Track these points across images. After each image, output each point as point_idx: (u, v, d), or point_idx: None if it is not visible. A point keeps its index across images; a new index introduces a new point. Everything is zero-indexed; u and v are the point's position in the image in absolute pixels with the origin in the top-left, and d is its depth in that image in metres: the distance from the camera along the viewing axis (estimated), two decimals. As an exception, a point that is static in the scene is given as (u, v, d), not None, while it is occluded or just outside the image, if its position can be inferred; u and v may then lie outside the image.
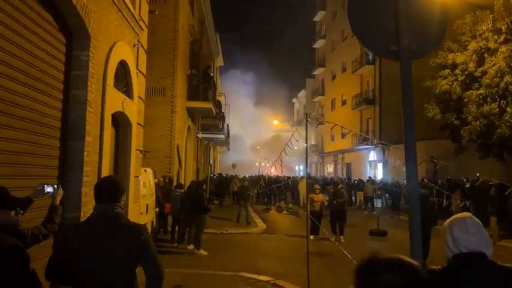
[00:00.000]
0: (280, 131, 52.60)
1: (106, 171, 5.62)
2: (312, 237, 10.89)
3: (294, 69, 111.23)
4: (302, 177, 24.36)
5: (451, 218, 2.06)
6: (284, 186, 20.35)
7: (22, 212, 2.78)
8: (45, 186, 3.23)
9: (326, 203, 12.33)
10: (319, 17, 44.79)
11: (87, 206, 4.86)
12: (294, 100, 62.83)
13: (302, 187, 21.36)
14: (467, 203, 10.10)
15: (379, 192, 21.98)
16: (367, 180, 22.41)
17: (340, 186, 13.24)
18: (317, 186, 13.06)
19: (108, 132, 5.72)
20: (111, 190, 2.62)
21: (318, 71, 45.38)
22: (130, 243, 2.44)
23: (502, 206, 12.55)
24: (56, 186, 3.31)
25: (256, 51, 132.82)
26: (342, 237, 11.72)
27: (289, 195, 23.29)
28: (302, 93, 56.48)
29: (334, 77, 40.19)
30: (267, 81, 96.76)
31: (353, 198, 22.35)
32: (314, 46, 46.52)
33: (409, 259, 1.61)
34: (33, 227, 2.91)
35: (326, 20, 42.84)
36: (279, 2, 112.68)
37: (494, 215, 12.09)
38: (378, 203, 22.30)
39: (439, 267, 2.01)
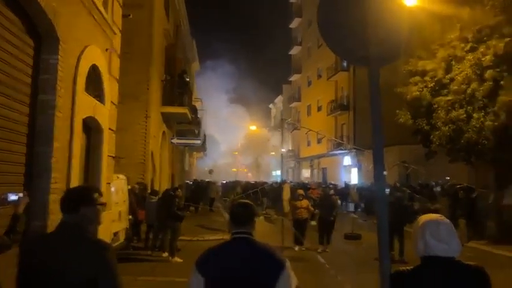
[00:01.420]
0: (257, 137, 52.76)
1: (76, 178, 5.49)
2: (296, 248, 10.49)
3: (271, 75, 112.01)
4: (285, 182, 24.23)
5: (424, 219, 2.11)
6: (261, 191, 20.32)
7: None
8: (9, 194, 3.11)
9: (312, 209, 11.38)
10: (295, 24, 45.34)
11: (55, 214, 4.71)
12: (270, 106, 63.19)
13: (286, 193, 21.27)
14: (437, 206, 10.41)
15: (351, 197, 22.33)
16: (353, 187, 22.82)
17: (331, 193, 12.63)
18: (300, 191, 12.27)
19: (79, 138, 5.59)
20: (79, 199, 2.45)
21: (294, 77, 45.88)
22: (89, 261, 2.20)
23: (471, 208, 12.99)
24: (20, 194, 3.19)
25: (234, 57, 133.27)
26: (327, 246, 11.02)
27: (265, 200, 23.14)
28: (279, 99, 56.88)
29: (310, 84, 40.70)
30: (245, 87, 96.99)
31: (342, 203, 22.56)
32: (290, 53, 47.01)
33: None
34: None
35: (302, 27, 43.41)
36: (257, 9, 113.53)
37: (462, 217, 12.48)
38: (352, 207, 22.65)
39: (408, 268, 2.08)
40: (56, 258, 2.22)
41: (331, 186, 20.48)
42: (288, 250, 9.67)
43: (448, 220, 2.08)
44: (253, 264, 2.29)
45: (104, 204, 2.58)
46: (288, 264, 2.34)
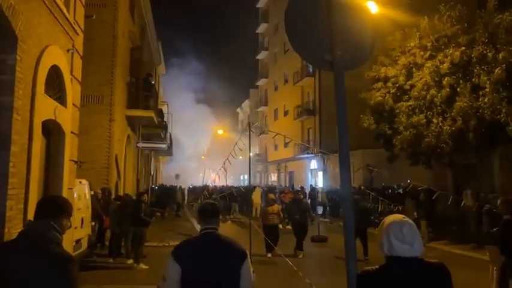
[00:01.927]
0: (224, 141, 52.62)
1: (35, 183, 5.24)
2: (269, 254, 10.24)
3: (239, 79, 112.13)
4: (256, 187, 24.14)
5: (388, 221, 2.17)
6: (229, 196, 20.19)
7: None
8: None
9: (282, 215, 11.13)
10: (261, 29, 45.68)
11: (12, 221, 4.48)
12: (238, 110, 63.20)
13: (256, 197, 21.17)
14: (400, 208, 10.76)
15: (320, 200, 22.65)
16: (322, 189, 23.14)
17: (302, 197, 12.43)
18: (272, 196, 12.05)
19: (38, 142, 5.35)
20: (48, 205, 2.34)
21: (261, 82, 46.15)
22: (50, 275, 2.08)
23: (431, 209, 13.52)
24: None
25: (201, 60, 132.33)
26: (301, 252, 10.69)
27: (235, 205, 22.93)
28: (246, 103, 57.00)
29: (276, 88, 41.08)
30: (212, 91, 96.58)
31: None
32: (257, 57, 47.30)
33: None
34: None
35: (268, 32, 43.81)
36: (223, 13, 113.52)
37: (423, 218, 12.96)
38: (320, 210, 23.02)
39: (374, 267, 2.13)
40: (16, 269, 2.08)
41: (300, 190, 20.62)
42: (258, 257, 9.45)
43: (411, 221, 2.16)
44: (222, 253, 2.77)
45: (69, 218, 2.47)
46: (247, 252, 2.88)
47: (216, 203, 3.22)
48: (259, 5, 46.16)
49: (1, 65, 4.55)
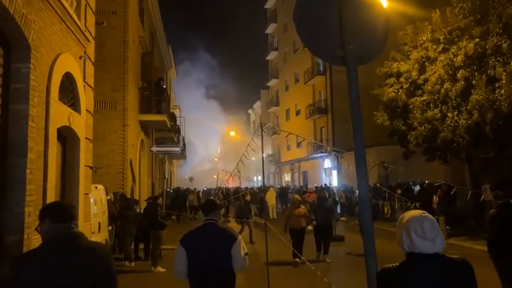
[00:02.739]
0: (236, 143, 52.73)
1: (52, 190, 5.31)
2: (297, 259, 9.33)
3: (249, 81, 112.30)
4: (270, 187, 23.96)
5: (407, 217, 2.11)
6: (243, 198, 20.14)
7: None
8: None
9: (309, 217, 10.15)
10: (270, 29, 45.63)
11: (31, 227, 4.54)
12: (249, 111, 63.24)
13: (270, 198, 20.97)
14: (417, 204, 10.60)
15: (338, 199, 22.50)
16: (338, 188, 22.97)
17: (327, 196, 11.74)
18: (297, 197, 10.90)
19: (54, 148, 5.42)
20: (67, 208, 2.40)
21: (272, 83, 46.07)
22: (95, 270, 2.19)
23: (449, 205, 13.29)
24: None
25: (211, 64, 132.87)
26: (326, 256, 9.91)
27: (253, 207, 22.78)
28: (257, 105, 56.99)
29: (287, 88, 40.96)
30: (223, 93, 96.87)
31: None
32: (267, 58, 47.26)
33: None
34: None
35: (277, 32, 43.73)
36: (233, 15, 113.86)
37: (442, 214, 12.74)
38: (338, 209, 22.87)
39: (394, 265, 2.08)
40: (59, 275, 2.11)
41: (324, 188, 20.29)
42: (277, 252, 8.82)
43: (431, 216, 2.09)
44: (217, 237, 3.57)
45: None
46: (239, 237, 3.63)
47: (215, 200, 4.09)
48: (267, 5, 46.14)
49: (16, 74, 4.62)
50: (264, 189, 19.51)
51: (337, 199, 21.39)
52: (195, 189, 28.76)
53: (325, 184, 26.07)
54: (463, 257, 2.10)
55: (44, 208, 2.46)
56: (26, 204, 4.47)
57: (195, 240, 3.56)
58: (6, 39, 4.53)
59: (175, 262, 3.55)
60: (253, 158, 9.42)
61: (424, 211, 2.14)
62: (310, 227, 10.31)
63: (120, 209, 10.31)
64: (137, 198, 12.67)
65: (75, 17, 6.25)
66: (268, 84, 48.04)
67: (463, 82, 12.67)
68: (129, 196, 12.56)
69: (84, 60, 6.83)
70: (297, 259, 9.31)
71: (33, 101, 4.74)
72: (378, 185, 18.32)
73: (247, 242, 12.47)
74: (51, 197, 5.24)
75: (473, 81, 12.37)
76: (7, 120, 4.51)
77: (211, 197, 7.12)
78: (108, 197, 10.15)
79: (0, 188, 4.37)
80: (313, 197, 20.04)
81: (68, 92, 6.19)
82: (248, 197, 13.93)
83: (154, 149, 17.36)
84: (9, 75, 4.59)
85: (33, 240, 4.57)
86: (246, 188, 25.57)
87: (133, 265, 9.65)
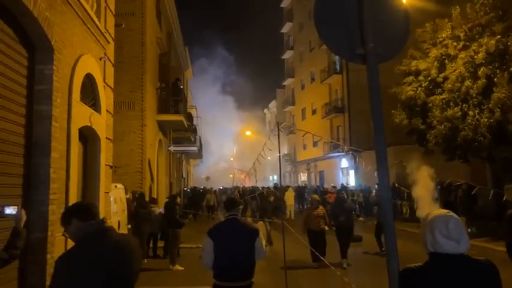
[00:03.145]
0: (252, 142, 52.84)
1: (74, 188, 5.43)
2: (316, 264, 9.08)
3: (265, 80, 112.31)
4: (289, 187, 23.77)
5: (432, 216, 2.07)
6: (259, 197, 20.14)
7: None
8: (5, 207, 3.08)
9: (327, 218, 9.77)
10: (286, 28, 45.55)
11: (55, 225, 4.66)
12: (265, 111, 63.23)
13: (289, 198, 20.83)
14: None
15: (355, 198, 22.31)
16: (356, 188, 22.83)
17: (345, 197, 11.27)
18: (316, 197, 10.49)
19: (76, 148, 5.54)
20: (90, 206, 2.50)
21: (288, 82, 45.98)
22: (130, 261, 2.34)
23: (470, 205, 13.02)
24: (17, 208, 3.15)
25: (228, 63, 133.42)
26: (345, 260, 9.33)
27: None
28: (273, 104, 56.94)
29: (303, 87, 40.80)
30: (239, 92, 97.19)
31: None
32: (283, 57, 47.18)
33: None
34: None
35: (293, 31, 43.61)
36: (249, 14, 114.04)
37: (462, 214, 12.48)
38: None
39: (417, 265, 2.05)
40: (100, 267, 2.22)
41: (343, 188, 20.08)
42: (293, 252, 8.48)
43: (456, 216, 2.05)
44: (241, 231, 4.01)
45: None
46: (259, 230, 4.17)
47: (236, 198, 4.64)
48: (283, 4, 46.08)
49: (39, 75, 4.75)
50: (281, 188, 19.46)
51: (355, 199, 21.22)
52: (211, 188, 28.95)
53: (342, 184, 25.88)
54: (487, 258, 2.05)
55: (67, 210, 2.51)
56: (50, 202, 4.59)
57: (221, 233, 3.97)
58: (30, 42, 4.66)
59: (203, 253, 3.93)
60: (268, 158, 9.34)
61: (449, 210, 2.10)
62: (327, 228, 9.95)
63: (135, 207, 10.46)
64: (155, 197, 12.81)
65: (96, 19, 6.37)
66: (283, 84, 47.96)
67: (484, 80, 12.39)
68: (147, 195, 12.74)
69: (104, 61, 6.96)
70: (315, 263, 9.03)
71: (56, 101, 4.86)
72: (396, 184, 18.08)
73: (266, 244, 12.40)
74: (74, 195, 5.36)
75: (495, 79, 12.09)
76: (31, 121, 4.63)
77: (231, 196, 7.25)
78: (127, 196, 10.32)
79: (25, 187, 4.49)
80: (334, 197, 19.82)
81: (89, 92, 6.31)
82: (272, 198, 13.32)
83: (172, 148, 17.55)
84: (33, 76, 4.72)
85: (57, 237, 4.69)
86: (263, 188, 25.58)
87: (145, 261, 9.74)
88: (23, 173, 4.48)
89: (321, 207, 9.85)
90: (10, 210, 3.10)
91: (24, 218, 3.16)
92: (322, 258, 8.35)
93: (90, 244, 2.26)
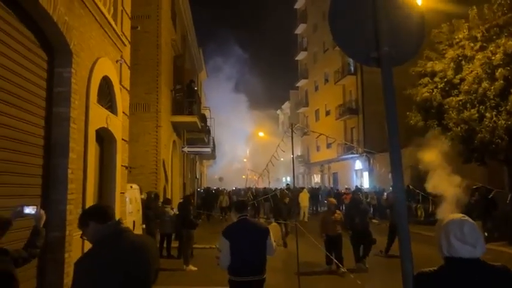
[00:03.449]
0: (265, 143, 52.83)
1: (91, 189, 5.54)
2: (329, 267, 8.96)
3: (278, 81, 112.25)
4: (303, 188, 23.64)
5: (447, 220, 2.07)
6: (272, 198, 20.07)
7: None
8: (24, 207, 3.16)
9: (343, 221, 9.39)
10: (300, 29, 45.47)
11: (72, 224, 4.76)
12: (278, 112, 63.18)
13: (303, 199, 20.71)
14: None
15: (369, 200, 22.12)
16: (372, 190, 22.66)
17: (361, 198, 10.92)
18: (333, 201, 9.87)
19: (93, 149, 5.65)
20: (107, 208, 2.58)
21: (301, 83, 45.87)
22: (147, 262, 2.42)
23: (487, 209, 12.78)
24: (36, 208, 3.23)
25: (241, 64, 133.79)
26: (365, 261, 9.29)
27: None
28: (286, 105, 56.87)
29: (317, 88, 40.65)
30: (252, 93, 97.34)
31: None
32: (296, 58, 47.10)
33: None
34: (13, 250, 2.83)
35: (307, 33, 43.51)
36: (261, 15, 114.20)
37: (478, 218, 12.27)
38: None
39: (431, 269, 2.04)
40: (118, 268, 2.28)
41: (358, 190, 19.77)
42: (306, 253, 8.38)
43: (471, 220, 2.04)
44: (253, 231, 4.44)
45: None
46: (269, 229, 4.59)
47: (245, 200, 5.18)
48: (297, 5, 46.02)
49: (58, 78, 4.86)
50: (294, 189, 19.41)
51: (369, 201, 21.03)
52: (224, 189, 29.05)
53: (357, 186, 25.70)
54: (504, 264, 2.03)
55: (85, 212, 2.57)
56: (67, 202, 4.70)
57: (235, 234, 4.34)
58: (50, 45, 4.77)
59: (222, 253, 4.28)
60: (282, 159, 9.28)
61: (464, 215, 2.09)
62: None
63: (142, 208, 10.54)
64: (169, 198, 12.93)
65: (113, 23, 6.48)
66: (297, 85, 47.87)
67: (502, 81, 12.19)
68: (161, 196, 12.86)
69: (121, 64, 7.08)
70: (331, 266, 8.85)
71: (74, 103, 4.96)
72: (410, 187, 17.87)
73: (280, 244, 12.20)
74: (90, 195, 5.46)
75: (513, 80, 11.89)
76: (50, 122, 4.74)
77: (241, 198, 7.35)
78: (142, 196, 10.44)
79: (44, 187, 4.60)
80: (349, 198, 19.56)
81: (106, 95, 6.43)
82: (287, 199, 13.00)
83: (186, 149, 17.68)
84: (53, 79, 4.83)
85: (74, 237, 4.79)
86: (275, 189, 25.52)
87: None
88: (42, 173, 4.59)
89: (338, 211, 9.51)
90: (29, 210, 3.18)
91: (43, 217, 3.25)
92: (339, 264, 8.21)
93: (108, 246, 2.31)
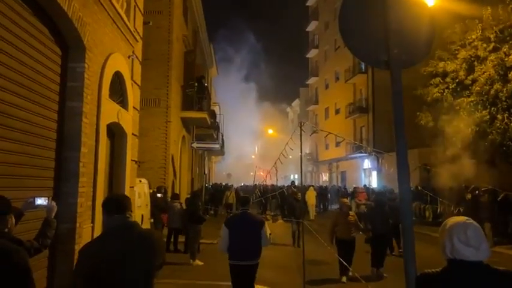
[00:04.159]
0: (274, 140, 52.82)
1: (102, 182, 5.63)
2: (344, 278, 7.97)
3: (288, 78, 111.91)
4: (310, 186, 23.43)
5: (450, 222, 2.08)
6: (280, 195, 20.04)
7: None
8: (36, 198, 3.24)
9: (359, 223, 8.59)
10: (311, 27, 45.27)
11: (83, 216, 4.86)
12: (288, 109, 63.07)
13: (310, 197, 20.63)
14: (461, 209, 10.18)
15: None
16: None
17: (385, 201, 9.83)
18: (346, 201, 9.16)
19: (104, 143, 5.74)
20: (121, 200, 2.66)
21: (312, 80, 45.71)
22: (150, 256, 2.49)
23: (496, 211, 12.67)
24: (47, 199, 3.31)
25: (251, 61, 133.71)
26: (381, 270, 8.54)
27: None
28: (296, 103, 56.76)
29: (327, 86, 40.49)
30: (262, 90, 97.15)
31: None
32: (307, 56, 46.93)
33: None
34: (25, 241, 2.91)
35: (318, 30, 43.30)
36: (273, 12, 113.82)
37: (487, 220, 12.17)
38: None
39: (434, 270, 2.07)
40: (129, 256, 2.37)
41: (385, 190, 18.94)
42: (311, 251, 8.08)
43: (476, 223, 2.05)
44: (251, 221, 5.38)
45: None
46: (265, 222, 5.53)
47: (248, 196, 6.38)
48: (308, 3, 45.80)
49: (72, 73, 4.95)
50: (301, 187, 19.38)
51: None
52: (231, 185, 29.09)
53: (365, 185, 25.59)
54: (509, 269, 2.03)
55: (103, 202, 2.70)
56: (78, 195, 4.79)
57: (235, 223, 5.31)
58: (64, 41, 4.86)
59: (220, 240, 5.23)
60: (290, 156, 9.23)
61: (468, 218, 2.10)
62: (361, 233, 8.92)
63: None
64: (177, 193, 13.05)
65: (125, 18, 6.55)
66: (307, 82, 47.72)
67: (515, 83, 12.05)
68: (170, 190, 12.98)
69: (132, 59, 7.16)
70: (344, 277, 8.00)
71: (87, 98, 5.05)
72: (419, 187, 17.76)
73: (290, 243, 12.31)
74: (101, 189, 5.56)
75: (527, 82, 11.74)
76: (63, 116, 4.84)
77: (246, 195, 7.87)
78: (151, 191, 10.56)
79: (56, 180, 4.70)
80: (364, 197, 19.18)
81: (117, 90, 6.51)
82: (299, 195, 12.09)
83: (194, 145, 17.78)
84: (66, 74, 4.92)
85: (84, 228, 4.89)
86: (283, 186, 25.53)
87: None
88: (54, 166, 4.68)
89: (351, 212, 8.71)
90: (41, 201, 3.26)
91: (55, 209, 3.33)
92: (350, 268, 7.80)
93: (113, 237, 2.39)
